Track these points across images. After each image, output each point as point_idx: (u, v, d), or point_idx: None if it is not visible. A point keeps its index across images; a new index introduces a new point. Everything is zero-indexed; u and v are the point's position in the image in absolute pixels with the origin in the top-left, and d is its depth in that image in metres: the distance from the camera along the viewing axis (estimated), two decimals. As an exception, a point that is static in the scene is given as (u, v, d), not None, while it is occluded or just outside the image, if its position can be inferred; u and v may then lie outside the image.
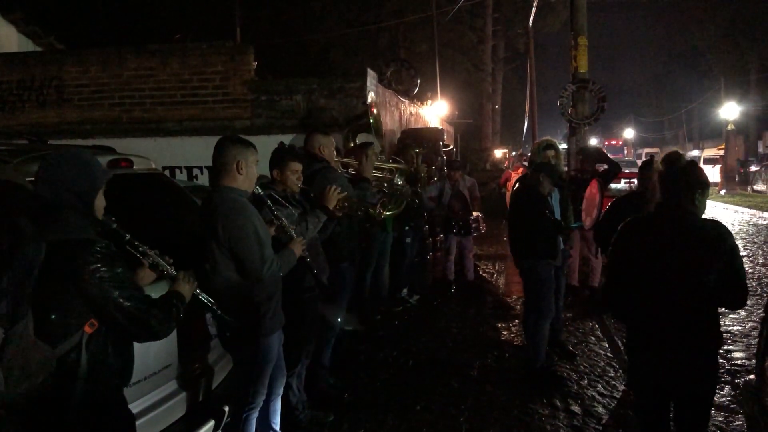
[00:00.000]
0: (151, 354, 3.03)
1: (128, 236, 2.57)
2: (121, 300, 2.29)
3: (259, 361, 3.38)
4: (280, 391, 3.78)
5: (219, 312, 2.94)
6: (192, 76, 8.60)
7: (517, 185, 5.75)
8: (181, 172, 8.22)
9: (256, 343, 3.33)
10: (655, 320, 2.97)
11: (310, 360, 4.54)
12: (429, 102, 16.62)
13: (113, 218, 2.52)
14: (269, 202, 3.62)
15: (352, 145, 7.24)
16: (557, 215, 5.63)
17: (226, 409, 3.45)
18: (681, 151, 3.49)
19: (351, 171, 5.43)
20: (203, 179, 7.92)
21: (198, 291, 2.80)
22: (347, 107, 8.29)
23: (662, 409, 3.11)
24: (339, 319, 4.97)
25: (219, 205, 3.23)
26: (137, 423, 2.93)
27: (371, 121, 7.42)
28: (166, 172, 7.50)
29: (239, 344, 3.39)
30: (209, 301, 2.89)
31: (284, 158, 3.99)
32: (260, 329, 3.31)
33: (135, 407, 2.95)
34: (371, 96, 8.41)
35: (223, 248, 3.19)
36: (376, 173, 5.78)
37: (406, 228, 7.43)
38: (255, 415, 3.51)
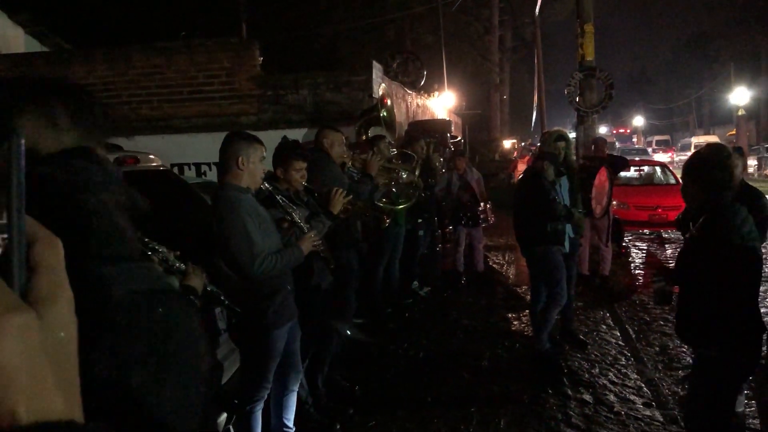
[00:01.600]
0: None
1: (138, 233, 2.57)
2: None
3: (261, 355, 3.41)
4: (295, 387, 3.77)
5: (227, 302, 2.96)
6: (198, 73, 8.62)
7: (522, 174, 5.75)
8: (190, 169, 8.25)
9: (259, 337, 3.35)
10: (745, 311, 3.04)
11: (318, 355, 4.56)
12: (436, 94, 16.58)
13: None
14: (279, 198, 3.61)
15: (364, 138, 7.23)
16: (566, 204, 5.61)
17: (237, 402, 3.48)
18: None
19: (357, 165, 5.42)
20: (212, 176, 7.93)
21: (206, 282, 2.81)
22: (354, 101, 8.29)
23: None
24: (347, 330, 4.97)
25: (216, 202, 3.27)
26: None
27: (383, 114, 7.40)
28: (175, 169, 7.54)
29: (243, 338, 3.42)
30: (217, 292, 2.90)
31: (288, 157, 3.94)
32: (261, 324, 3.33)
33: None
34: (383, 88, 8.39)
35: (220, 244, 3.23)
36: (381, 173, 5.74)
37: (419, 221, 7.42)
38: (259, 408, 3.51)
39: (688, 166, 3.19)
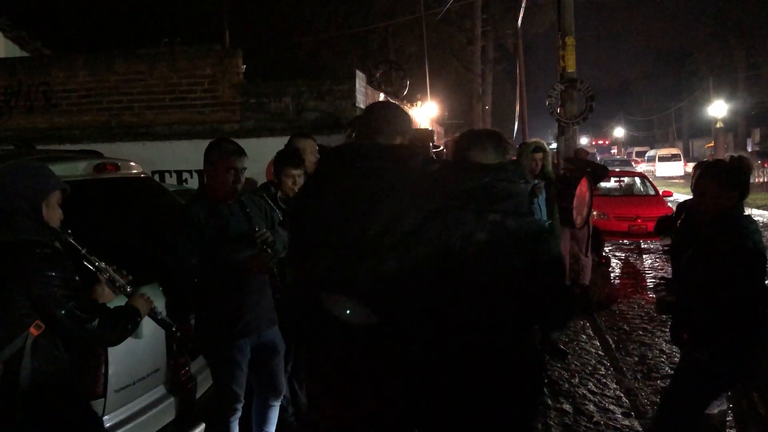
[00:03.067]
0: (139, 358, 3.02)
1: (84, 250, 2.56)
2: (63, 300, 2.30)
3: (214, 368, 3.45)
4: (276, 402, 3.70)
5: (178, 333, 3.00)
6: (180, 80, 8.56)
7: None
8: (171, 176, 8.18)
9: (207, 349, 3.42)
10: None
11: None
12: (419, 103, 16.64)
13: (69, 231, 2.53)
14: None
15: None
16: (543, 214, 5.65)
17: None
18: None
19: None
20: (193, 183, 7.89)
21: (158, 309, 2.84)
22: (336, 109, 8.28)
23: None
24: None
25: None
26: (129, 426, 2.93)
27: None
28: (156, 177, 7.48)
29: (201, 352, 3.50)
30: (167, 321, 2.91)
31: (278, 163, 4.11)
32: (198, 336, 3.39)
33: (126, 411, 2.95)
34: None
35: None
36: None
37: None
38: (234, 419, 3.47)
39: (730, 175, 3.18)
